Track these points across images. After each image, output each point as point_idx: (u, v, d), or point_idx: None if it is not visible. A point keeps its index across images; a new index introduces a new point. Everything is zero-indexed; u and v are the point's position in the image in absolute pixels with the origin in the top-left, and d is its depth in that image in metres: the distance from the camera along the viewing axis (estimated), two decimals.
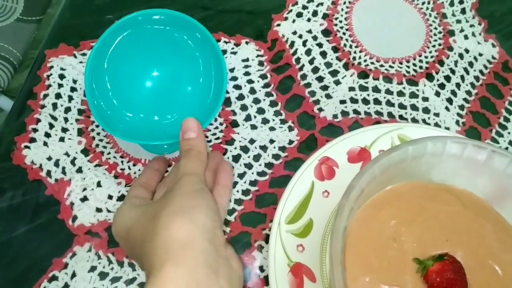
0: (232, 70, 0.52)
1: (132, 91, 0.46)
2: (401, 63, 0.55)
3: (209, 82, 0.46)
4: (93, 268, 0.43)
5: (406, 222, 0.41)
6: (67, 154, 0.47)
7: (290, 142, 0.50)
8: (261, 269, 0.44)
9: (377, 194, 0.42)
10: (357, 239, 0.40)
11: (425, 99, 0.53)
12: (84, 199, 0.45)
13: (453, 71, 0.55)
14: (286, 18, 0.56)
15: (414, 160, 0.41)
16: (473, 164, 0.41)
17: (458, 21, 0.58)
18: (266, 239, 0.45)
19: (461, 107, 0.53)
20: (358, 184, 0.37)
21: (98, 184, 0.46)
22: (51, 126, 0.48)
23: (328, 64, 0.54)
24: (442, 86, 0.54)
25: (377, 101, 0.52)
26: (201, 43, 0.45)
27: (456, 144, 0.40)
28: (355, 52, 0.55)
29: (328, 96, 0.52)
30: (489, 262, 0.39)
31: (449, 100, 0.53)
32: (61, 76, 0.50)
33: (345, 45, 0.55)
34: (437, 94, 0.53)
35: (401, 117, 0.52)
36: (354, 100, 0.52)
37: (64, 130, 0.48)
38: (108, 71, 0.44)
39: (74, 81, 0.50)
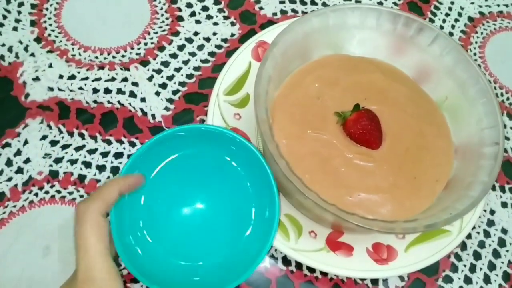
0: None
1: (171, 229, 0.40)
2: None
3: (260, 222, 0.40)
4: (44, 137, 0.46)
5: (329, 84, 0.45)
6: (20, 42, 0.50)
7: (232, 35, 0.54)
8: None
9: (304, 65, 0.47)
10: (284, 100, 0.44)
11: None
12: (36, 79, 0.48)
13: None
14: None
15: (336, 30, 0.46)
16: (399, 39, 0.46)
17: None
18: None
19: None
20: (276, 48, 0.41)
21: (50, 66, 0.49)
22: (5, 17, 0.51)
23: None
24: None
25: (313, 2, 0.56)
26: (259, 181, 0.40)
27: (386, 15, 0.45)
28: None
29: None
30: (401, 115, 0.44)
31: None
32: None
33: None
34: None
35: None
36: (292, 1, 0.56)
37: (17, 21, 0.51)
38: (145, 207, 0.39)
39: None
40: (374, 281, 0.44)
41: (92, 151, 0.46)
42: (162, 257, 0.38)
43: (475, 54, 0.57)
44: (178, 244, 0.39)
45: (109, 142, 0.47)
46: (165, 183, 0.39)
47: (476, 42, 0.58)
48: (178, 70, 0.51)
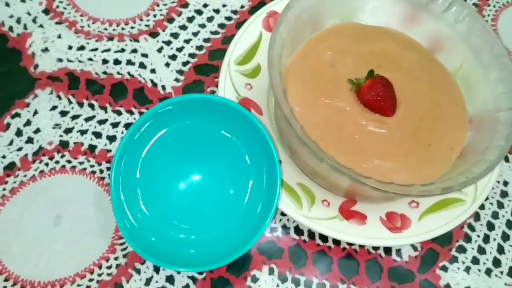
0: None
1: (168, 202, 0.40)
2: None
3: (259, 189, 0.40)
4: (54, 107, 0.46)
5: (342, 52, 0.44)
6: (28, 13, 0.50)
7: (242, 6, 0.53)
8: None
9: (317, 33, 0.46)
10: (297, 68, 0.44)
11: None
12: (45, 50, 0.48)
13: None
14: None
15: None
16: (413, 6, 0.45)
17: None
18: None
19: None
20: (290, 12, 0.41)
21: (59, 37, 0.48)
22: None
23: None
24: None
25: None
26: (251, 139, 0.40)
27: None
28: None
29: None
30: (416, 83, 0.43)
31: None
32: None
33: None
34: None
35: None
36: None
37: None
38: (140, 180, 0.39)
39: None
40: (387, 251, 0.44)
41: (102, 122, 0.46)
42: (158, 229, 0.38)
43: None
44: (175, 217, 0.39)
45: (119, 113, 0.46)
46: (159, 157, 0.39)
47: (488, 15, 0.57)
48: (187, 41, 0.51)
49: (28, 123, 0.45)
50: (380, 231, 0.41)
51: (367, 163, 0.40)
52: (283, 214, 0.44)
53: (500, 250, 0.45)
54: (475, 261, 0.44)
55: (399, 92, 0.43)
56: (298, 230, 0.43)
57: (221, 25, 0.52)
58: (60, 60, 0.48)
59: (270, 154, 0.38)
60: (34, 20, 0.49)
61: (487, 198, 0.47)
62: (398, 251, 0.44)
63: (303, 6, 0.42)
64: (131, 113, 0.46)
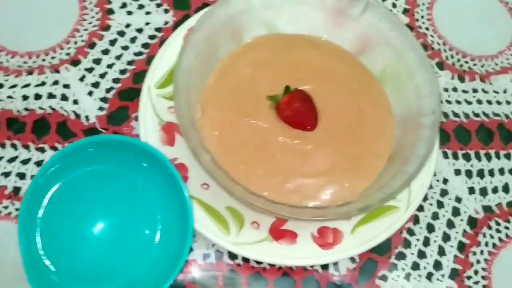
0: None
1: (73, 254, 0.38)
2: None
3: (170, 228, 0.39)
4: None
5: (261, 67, 0.43)
6: None
7: (166, 22, 0.52)
8: None
9: (235, 47, 0.45)
10: (215, 88, 0.43)
11: None
12: None
13: None
14: None
15: (263, 9, 0.43)
16: (332, 12, 0.44)
17: None
18: None
19: None
20: (196, 36, 0.39)
21: None
22: None
23: None
24: None
25: None
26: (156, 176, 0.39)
27: None
28: None
29: None
30: (338, 91, 0.42)
31: None
32: None
33: None
34: None
35: None
36: None
37: None
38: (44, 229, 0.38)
39: None
40: (324, 266, 0.43)
41: (25, 161, 0.45)
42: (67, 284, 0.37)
43: (422, 16, 0.55)
44: (84, 267, 0.38)
45: (42, 150, 0.45)
46: (63, 205, 0.38)
47: (423, 4, 0.55)
48: (110, 66, 0.49)
49: None
50: (311, 249, 0.40)
51: (290, 182, 0.39)
52: None
53: (441, 252, 0.44)
54: (415, 266, 0.44)
55: (320, 103, 0.42)
56: (232, 254, 0.43)
57: (145, 45, 0.50)
58: None
59: (179, 190, 0.37)
60: None
61: (426, 199, 0.46)
62: (336, 265, 0.43)
63: (212, 27, 0.40)
64: (55, 149, 0.45)
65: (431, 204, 0.46)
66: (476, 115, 0.50)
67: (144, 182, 0.40)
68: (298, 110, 0.40)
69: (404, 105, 0.42)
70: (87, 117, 0.47)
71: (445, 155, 0.48)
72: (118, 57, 0.50)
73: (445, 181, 0.47)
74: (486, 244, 0.45)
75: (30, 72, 0.48)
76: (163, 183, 0.38)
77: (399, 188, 0.35)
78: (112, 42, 0.50)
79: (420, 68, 0.40)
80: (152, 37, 0.51)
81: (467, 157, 0.48)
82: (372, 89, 0.43)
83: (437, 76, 0.52)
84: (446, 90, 0.51)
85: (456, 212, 0.46)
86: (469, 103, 0.51)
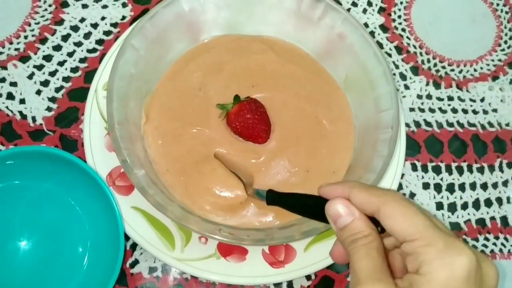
0: None
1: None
2: None
3: (98, 250, 0.37)
4: None
5: (213, 72, 0.40)
6: None
7: (123, 17, 0.48)
8: None
9: (189, 49, 0.42)
10: (163, 93, 0.40)
11: None
12: None
13: None
14: None
15: (221, 8, 0.40)
16: (293, 14, 0.40)
17: None
18: None
19: None
20: (136, 39, 0.36)
21: None
22: None
23: None
24: None
25: None
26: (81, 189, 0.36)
27: None
28: None
29: None
30: (294, 101, 0.39)
31: None
32: None
33: None
34: None
35: None
36: None
37: None
38: None
39: None
40: (277, 283, 0.41)
41: None
42: None
43: (399, 16, 0.51)
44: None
45: None
46: None
47: (401, 3, 0.52)
48: (62, 64, 0.46)
49: None
50: (261, 268, 0.38)
51: (235, 199, 0.37)
52: None
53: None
54: None
55: (274, 113, 0.39)
56: None
57: (99, 41, 0.47)
58: None
59: (110, 207, 0.34)
60: None
61: None
62: (290, 283, 0.41)
63: (159, 26, 0.38)
64: None
65: None
66: (450, 124, 0.47)
67: (71, 196, 0.37)
68: (248, 122, 0.37)
69: (364, 116, 0.39)
70: (33, 118, 0.44)
71: (414, 168, 0.45)
72: (70, 54, 0.47)
73: (412, 195, 0.44)
74: None
75: None
76: (91, 197, 0.35)
77: None
78: (65, 38, 0.47)
79: (381, 79, 0.37)
80: (107, 33, 0.48)
81: (437, 170, 0.46)
82: (332, 97, 0.41)
83: (411, 81, 0.48)
84: (419, 97, 0.48)
85: None
86: (444, 111, 0.48)
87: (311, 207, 0.28)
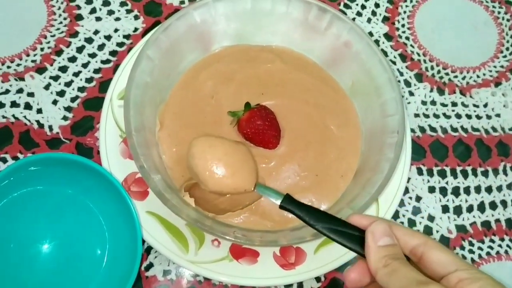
0: None
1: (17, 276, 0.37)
2: None
3: (117, 251, 0.38)
4: None
5: (224, 80, 0.42)
6: None
7: (135, 29, 0.50)
8: None
9: (200, 59, 0.43)
10: (176, 102, 0.41)
11: None
12: None
13: None
14: None
15: (231, 19, 0.42)
16: (301, 25, 0.42)
17: None
18: None
19: None
20: (152, 50, 0.38)
21: None
22: None
23: None
24: None
25: None
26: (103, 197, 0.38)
27: (298, 3, 0.41)
28: None
29: None
30: (302, 107, 0.41)
31: None
32: None
33: None
34: None
35: None
36: None
37: None
38: None
39: None
40: (288, 285, 0.42)
41: None
42: None
43: (403, 25, 0.53)
44: None
45: (4, 160, 0.44)
46: (5, 227, 0.37)
47: (404, 12, 0.53)
48: (77, 74, 0.48)
49: None
50: (272, 270, 0.39)
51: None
52: None
53: None
54: None
55: (284, 119, 0.40)
56: None
57: (113, 53, 0.49)
58: None
59: (128, 211, 0.35)
60: None
61: (397, 217, 0.44)
62: (300, 284, 0.42)
63: (172, 38, 0.39)
64: (17, 159, 0.44)
65: (402, 223, 0.44)
66: (454, 130, 0.48)
67: (91, 201, 0.38)
68: (258, 129, 0.38)
69: (370, 121, 0.40)
70: (50, 127, 0.45)
71: (420, 172, 0.46)
72: (85, 65, 0.48)
73: (418, 198, 0.45)
74: None
75: None
76: (110, 201, 0.37)
77: (358, 212, 0.34)
78: (80, 49, 0.49)
79: (386, 85, 0.39)
80: (120, 44, 0.50)
81: (442, 174, 0.47)
82: (339, 104, 0.42)
83: (415, 88, 0.50)
84: (424, 103, 0.49)
85: (428, 231, 0.44)
86: (448, 117, 0.49)
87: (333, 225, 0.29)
